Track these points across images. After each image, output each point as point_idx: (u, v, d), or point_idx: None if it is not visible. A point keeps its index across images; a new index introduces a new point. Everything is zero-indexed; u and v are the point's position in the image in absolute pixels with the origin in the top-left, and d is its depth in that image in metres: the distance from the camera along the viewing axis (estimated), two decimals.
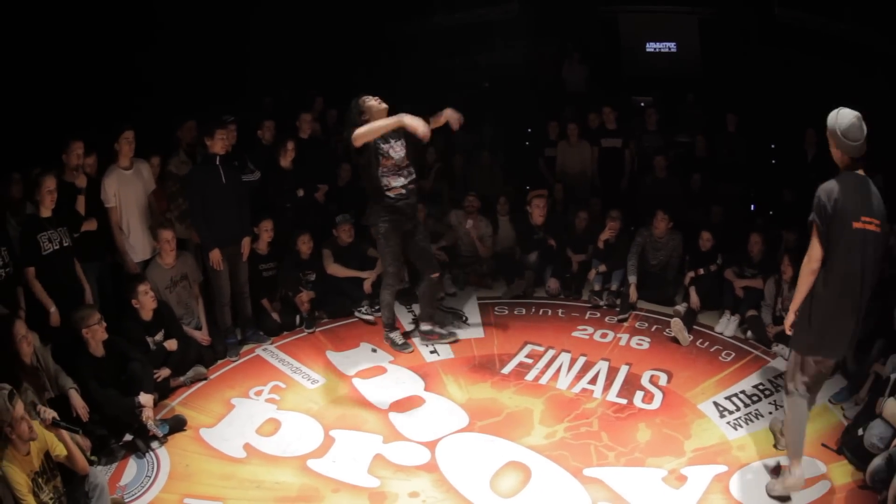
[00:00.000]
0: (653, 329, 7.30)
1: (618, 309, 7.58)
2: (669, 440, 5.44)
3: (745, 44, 10.86)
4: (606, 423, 5.65)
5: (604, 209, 8.37)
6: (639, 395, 6.06)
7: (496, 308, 7.77)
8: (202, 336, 6.46)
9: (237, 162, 6.99)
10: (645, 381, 6.28)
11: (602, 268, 7.94)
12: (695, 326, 7.27)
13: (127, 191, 6.38)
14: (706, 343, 7.01)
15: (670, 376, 6.36)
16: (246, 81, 9.26)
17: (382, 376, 6.32)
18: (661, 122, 9.80)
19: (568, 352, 6.76)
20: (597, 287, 7.90)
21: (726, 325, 7.22)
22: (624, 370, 6.44)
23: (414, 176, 6.31)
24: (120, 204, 6.35)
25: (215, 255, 6.39)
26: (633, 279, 7.61)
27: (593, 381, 6.28)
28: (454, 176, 9.78)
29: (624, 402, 5.95)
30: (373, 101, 6.06)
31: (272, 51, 9.71)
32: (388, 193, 6.16)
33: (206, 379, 6.25)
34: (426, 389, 6.08)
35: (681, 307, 7.34)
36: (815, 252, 4.45)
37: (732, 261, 7.51)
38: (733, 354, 6.81)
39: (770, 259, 7.29)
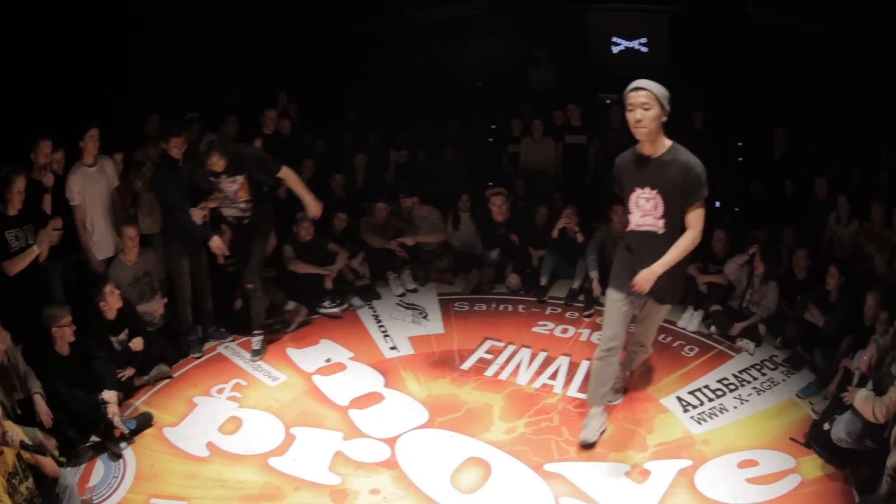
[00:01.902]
0: None
1: (581, 305, 7.93)
2: (632, 435, 5.73)
3: (717, 42, 11.10)
4: (567, 418, 5.92)
5: (566, 205, 8.62)
6: None
7: (456, 304, 8.04)
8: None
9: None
10: None
11: (539, 253, 8.38)
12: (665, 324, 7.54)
13: (91, 188, 6.56)
14: (669, 338, 7.33)
15: (633, 372, 6.57)
16: (215, 77, 9.41)
17: (342, 373, 6.56)
18: (626, 119, 10.08)
19: (528, 347, 7.05)
20: (543, 281, 8.20)
21: (689, 320, 7.58)
22: (585, 365, 6.68)
23: (250, 205, 6.53)
24: (84, 201, 6.53)
25: (216, 242, 6.52)
26: (594, 274, 7.93)
27: (554, 376, 6.57)
28: (417, 172, 10.03)
29: (585, 396, 6.13)
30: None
31: (240, 46, 9.93)
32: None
33: (169, 377, 6.45)
34: (386, 386, 6.34)
35: None
36: None
37: (696, 256, 7.87)
38: (696, 349, 7.14)
39: (732, 255, 7.67)
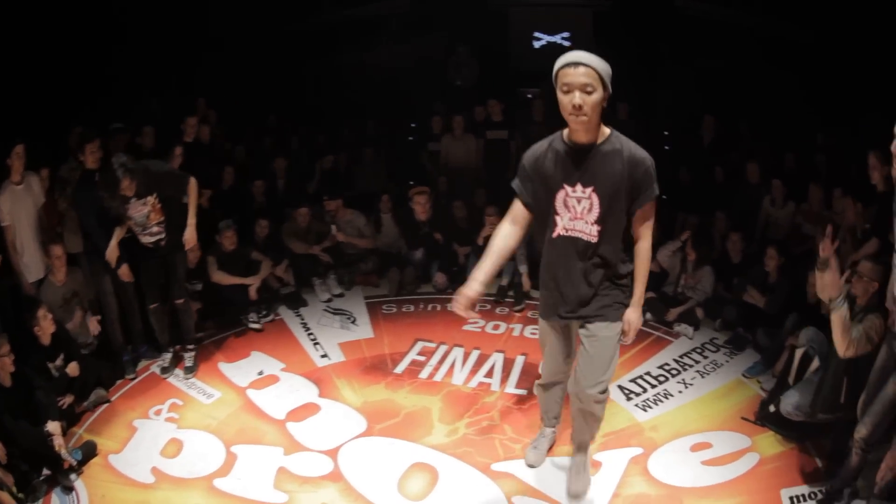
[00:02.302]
0: None
1: (511, 300, 7.98)
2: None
3: (643, 35, 11.42)
4: (508, 415, 5.91)
5: (489, 201, 8.70)
6: None
7: (384, 306, 7.98)
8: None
9: None
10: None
11: (465, 250, 8.41)
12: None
13: (18, 208, 6.24)
14: None
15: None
16: (138, 85, 9.17)
17: (276, 385, 6.39)
18: (548, 113, 10.21)
19: (460, 346, 7.03)
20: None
21: None
22: (520, 361, 6.75)
23: (163, 226, 6.28)
24: (13, 222, 6.21)
25: (124, 271, 6.34)
26: (524, 269, 7.99)
27: (489, 374, 6.57)
28: (338, 174, 9.92)
29: (524, 392, 6.22)
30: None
31: (158, 52, 9.58)
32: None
33: (107, 402, 6.17)
34: (321, 396, 6.20)
35: None
36: None
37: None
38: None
39: (664, 242, 7.82)
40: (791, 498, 5.00)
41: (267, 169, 9.10)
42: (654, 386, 6.39)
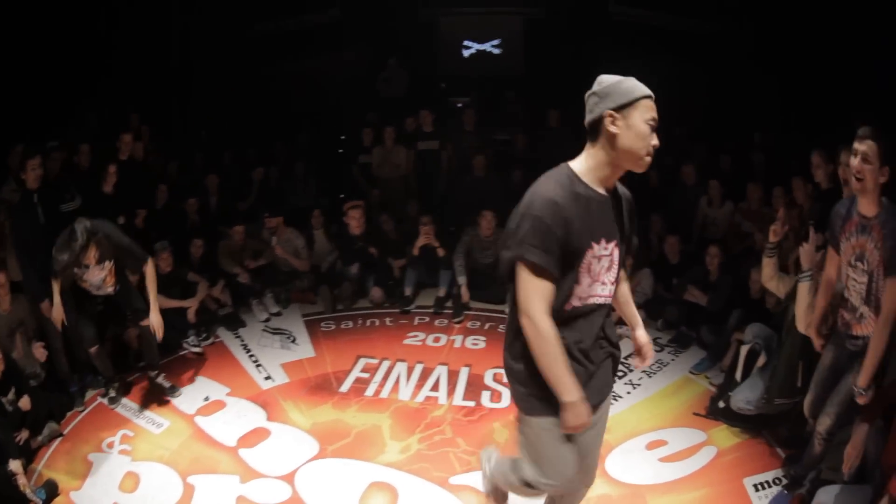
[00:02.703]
0: (486, 327, 7.73)
1: (449, 311, 8.00)
2: None
3: (576, 41, 11.63)
4: (459, 428, 5.91)
5: (421, 212, 8.72)
6: (485, 394, 6.41)
7: (322, 324, 7.88)
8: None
9: (64, 191, 6.71)
10: (489, 381, 6.63)
11: (400, 263, 8.42)
12: None
13: None
14: None
15: None
16: (73, 101, 8.87)
17: (223, 411, 6.22)
18: (479, 121, 10.39)
19: (403, 361, 7.00)
20: (408, 291, 8.19)
21: None
22: (465, 372, 6.77)
23: (116, 287, 6.14)
24: None
25: (45, 307, 6.05)
26: (462, 280, 8.04)
27: (435, 387, 6.56)
28: (270, 189, 9.78)
29: (472, 404, 6.25)
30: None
31: (93, 66, 9.32)
32: None
33: (60, 435, 5.89)
34: (269, 419, 6.06)
35: None
36: None
37: None
38: None
39: None
40: (755, 485, 5.18)
41: (199, 186, 8.91)
42: None
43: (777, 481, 5.19)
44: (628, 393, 6.41)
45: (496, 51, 12.71)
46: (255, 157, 9.93)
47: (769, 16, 9.79)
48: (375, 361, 7.01)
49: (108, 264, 5.88)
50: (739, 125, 9.64)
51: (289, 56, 11.70)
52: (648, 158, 3.16)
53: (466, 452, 5.57)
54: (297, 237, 8.46)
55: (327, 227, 8.77)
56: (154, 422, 6.10)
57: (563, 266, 3.14)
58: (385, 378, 6.71)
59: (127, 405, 6.37)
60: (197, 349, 7.21)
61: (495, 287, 8.20)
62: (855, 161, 4.07)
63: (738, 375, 5.93)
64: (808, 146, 6.62)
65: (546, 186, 3.20)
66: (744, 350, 5.97)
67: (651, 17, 11.30)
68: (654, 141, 3.13)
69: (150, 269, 6.06)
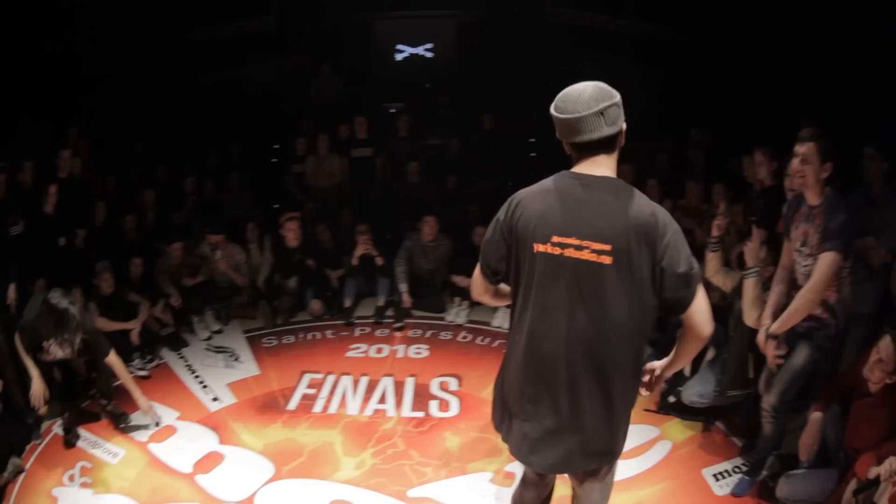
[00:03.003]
0: (428, 335, 7.83)
1: (390, 321, 8.07)
2: (481, 442, 5.88)
3: (511, 44, 11.74)
4: (411, 439, 5.96)
5: (355, 221, 8.74)
6: (433, 404, 6.49)
7: (264, 340, 7.82)
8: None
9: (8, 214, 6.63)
10: (435, 390, 6.72)
11: (337, 273, 8.42)
12: (470, 323, 8.03)
13: None
14: (487, 339, 7.73)
15: (460, 379, 6.88)
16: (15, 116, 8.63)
17: (175, 436, 6.11)
18: (413, 127, 10.41)
19: (348, 374, 7.01)
20: (347, 302, 8.22)
21: (457, 314, 8.07)
22: (411, 382, 6.84)
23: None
24: None
25: None
26: (404, 287, 8.12)
27: (382, 399, 6.59)
28: (206, 202, 9.62)
29: (421, 414, 6.33)
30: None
31: (32, 80, 9.08)
32: None
33: (23, 470, 5.70)
34: (221, 443, 5.99)
35: None
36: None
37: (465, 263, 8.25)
38: None
39: None
40: (714, 475, 5.42)
41: (136, 201, 8.72)
42: None
43: (737, 469, 5.44)
44: None
45: (429, 54, 12.67)
46: (189, 169, 9.73)
47: (705, 15, 10.06)
48: (320, 376, 7.00)
49: (77, 342, 5.86)
50: (675, 124, 9.81)
51: (223, 64, 11.49)
52: None
53: (421, 464, 5.64)
54: (238, 252, 8.37)
55: (263, 239, 8.69)
56: (110, 451, 5.95)
57: None
58: (332, 393, 6.71)
59: (82, 435, 6.20)
60: (143, 372, 7.05)
61: (436, 295, 8.37)
62: (795, 162, 4.46)
63: (687, 370, 6.15)
64: (746, 144, 6.92)
65: (653, 203, 3.07)
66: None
67: (588, 19, 11.48)
68: None
69: (114, 361, 6.06)
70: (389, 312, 8.19)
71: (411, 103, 11.68)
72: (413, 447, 5.86)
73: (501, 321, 7.87)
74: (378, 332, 7.93)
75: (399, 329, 7.93)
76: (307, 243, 8.40)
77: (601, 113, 3.04)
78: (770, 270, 5.24)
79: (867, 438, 4.40)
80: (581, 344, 3.02)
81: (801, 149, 4.41)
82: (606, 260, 2.93)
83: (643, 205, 3.00)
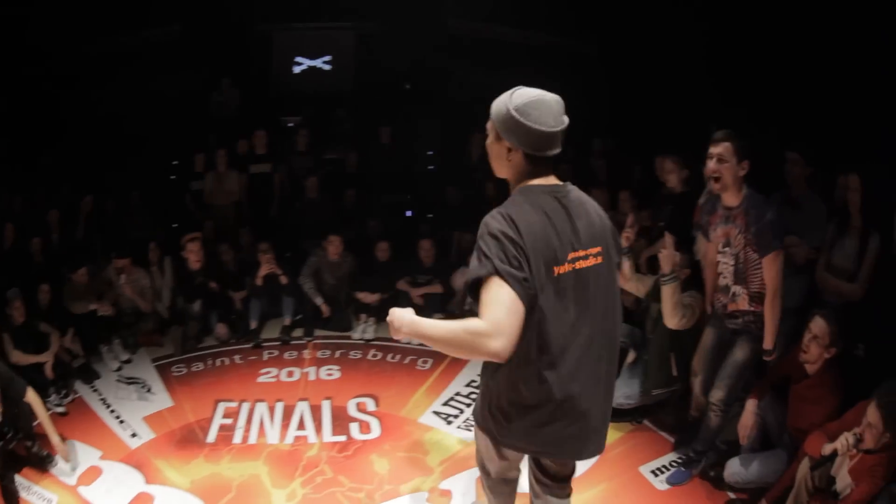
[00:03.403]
0: (337, 355, 7.87)
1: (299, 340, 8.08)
2: (411, 462, 6.00)
3: (411, 56, 11.74)
4: (338, 465, 5.97)
5: (255, 239, 8.63)
6: (354, 427, 6.52)
7: (173, 368, 7.63)
8: None
9: None
10: (353, 412, 6.76)
11: (240, 295, 8.34)
12: (378, 341, 8.11)
13: None
14: (397, 356, 7.82)
15: (377, 399, 6.95)
16: None
17: (101, 478, 5.88)
18: (311, 141, 10.31)
19: (262, 401, 6.95)
20: (253, 324, 8.17)
21: (364, 330, 8.16)
22: (327, 406, 6.86)
23: None
24: None
25: None
26: (319, 300, 8.17)
27: (301, 425, 6.57)
28: (106, 223, 9.17)
29: (343, 438, 6.34)
30: None
31: None
32: None
33: None
34: (148, 482, 5.82)
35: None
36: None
37: (404, 271, 8.40)
38: (430, 360, 7.69)
39: (442, 262, 8.31)
40: (652, 471, 5.79)
41: (43, 222, 8.33)
42: (468, 405, 6.81)
43: (674, 463, 5.82)
44: None
45: (326, 67, 12.62)
46: (90, 187, 9.22)
47: (609, 25, 10.40)
48: (235, 405, 6.90)
49: None
50: (576, 133, 10.05)
51: (124, 76, 10.97)
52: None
53: (353, 490, 5.66)
54: (143, 276, 8.07)
55: (164, 261, 8.38)
56: (43, 497, 5.70)
57: None
58: (248, 422, 6.63)
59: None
60: (60, 409, 6.74)
61: (341, 313, 8.41)
62: (711, 163, 4.71)
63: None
64: (651, 149, 7.38)
65: None
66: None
67: (490, 31, 11.66)
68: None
69: (33, 399, 5.89)
70: (296, 333, 8.19)
71: (309, 117, 11.60)
72: (341, 473, 5.88)
73: (362, 332, 8.09)
74: (287, 355, 7.88)
75: (309, 340, 8.01)
76: (209, 264, 8.24)
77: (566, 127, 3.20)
78: (686, 273, 5.62)
79: (812, 417, 4.84)
80: (606, 338, 3.33)
81: (716, 149, 4.68)
82: (602, 259, 3.26)
83: (599, 207, 3.42)
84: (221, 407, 6.88)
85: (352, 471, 5.90)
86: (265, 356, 7.88)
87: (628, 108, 9.86)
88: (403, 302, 8.24)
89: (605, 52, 10.82)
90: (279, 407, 6.86)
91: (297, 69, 12.57)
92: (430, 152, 11.25)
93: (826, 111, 6.98)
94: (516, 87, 3.21)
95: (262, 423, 6.61)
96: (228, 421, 6.65)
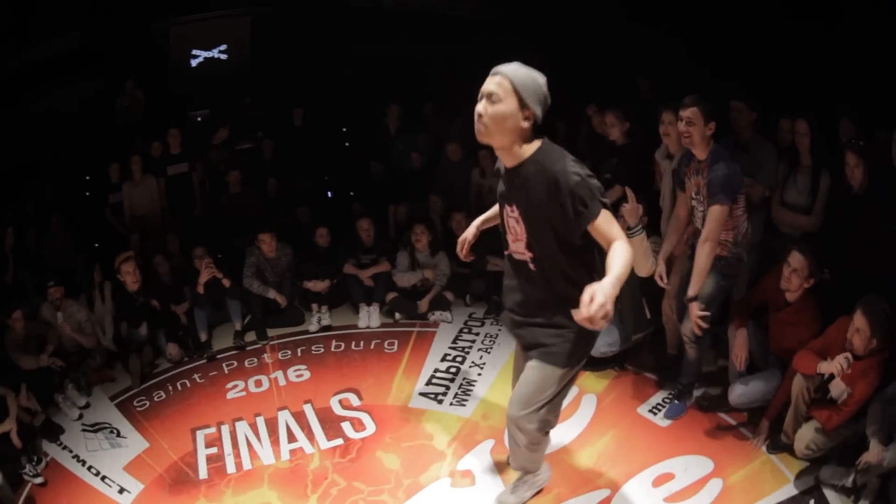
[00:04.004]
0: (300, 353, 7.57)
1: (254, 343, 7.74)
2: (419, 451, 5.94)
3: (312, 35, 11.31)
4: (347, 471, 5.79)
5: (184, 245, 8.12)
6: (346, 426, 6.33)
7: (135, 402, 7.02)
8: None
9: None
10: (339, 410, 6.56)
11: (182, 308, 7.86)
12: (336, 330, 7.89)
13: None
14: (361, 343, 7.66)
15: (358, 393, 6.78)
16: None
17: None
18: (225, 133, 9.78)
19: (240, 419, 6.59)
20: (203, 337, 7.71)
21: (368, 318, 7.88)
22: (310, 410, 6.60)
23: None
24: None
25: None
26: (272, 293, 7.84)
27: (292, 437, 6.28)
28: (30, 256, 8.30)
29: (340, 441, 6.14)
30: None
31: None
32: None
33: None
34: None
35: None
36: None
37: (347, 253, 8.12)
38: (396, 342, 7.59)
39: (382, 238, 8.08)
40: (650, 410, 6.11)
41: None
42: (451, 380, 6.83)
43: (667, 400, 6.14)
44: (479, 375, 6.88)
45: (223, 56, 11.98)
46: (9, 218, 8.32)
47: None
48: (213, 430, 6.47)
49: None
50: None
51: (29, 96, 9.93)
52: (477, 122, 3.68)
53: (373, 493, 5.52)
54: (78, 309, 7.31)
55: (103, 285, 7.69)
56: None
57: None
58: (235, 446, 6.23)
59: None
60: (38, 480, 6.06)
61: (291, 306, 8.10)
62: (681, 125, 5.19)
63: None
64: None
65: None
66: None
67: (391, 2, 11.47)
68: (478, 106, 3.66)
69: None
70: (248, 337, 7.82)
71: (215, 109, 11.04)
72: (354, 479, 5.71)
73: (367, 321, 7.87)
74: (247, 363, 7.49)
75: (264, 344, 7.69)
76: (147, 282, 7.63)
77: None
78: (646, 220, 5.79)
79: (798, 338, 5.33)
80: None
81: (685, 113, 5.14)
82: None
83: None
84: (200, 436, 6.44)
85: (363, 474, 5.75)
86: (225, 369, 7.45)
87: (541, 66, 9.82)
88: (353, 285, 8.06)
89: (511, 17, 10.73)
90: (260, 422, 6.52)
91: (194, 62, 11.87)
92: (344, 129, 10.90)
93: (762, 59, 7.58)
94: (517, 62, 3.69)
95: (249, 445, 6.26)
96: (213, 450, 6.24)
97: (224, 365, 7.54)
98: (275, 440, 6.28)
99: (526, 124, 3.65)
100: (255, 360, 7.55)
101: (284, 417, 6.57)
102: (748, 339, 5.65)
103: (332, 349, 7.64)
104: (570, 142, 8.09)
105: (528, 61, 3.71)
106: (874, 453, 4.67)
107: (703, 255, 5.17)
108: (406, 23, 11.39)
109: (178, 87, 11.64)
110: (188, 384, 7.30)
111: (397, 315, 7.90)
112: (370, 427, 6.31)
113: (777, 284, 5.38)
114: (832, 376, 4.95)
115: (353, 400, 6.73)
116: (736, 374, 5.74)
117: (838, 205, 5.74)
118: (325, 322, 7.91)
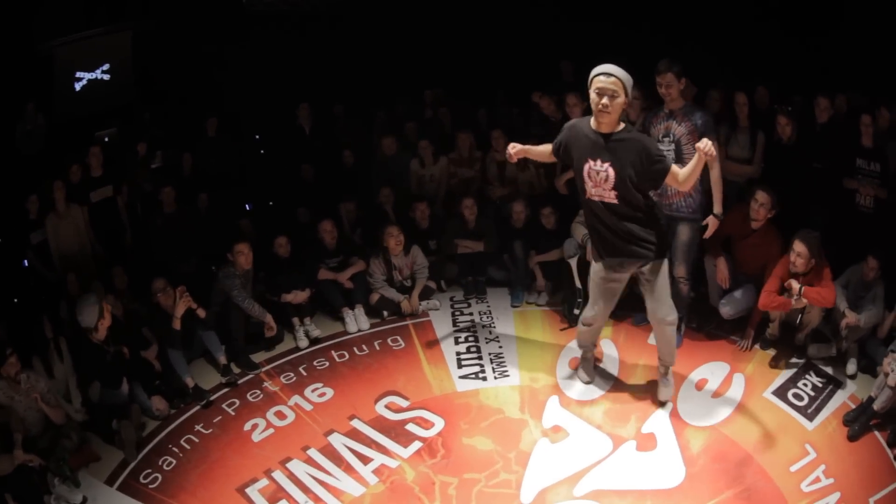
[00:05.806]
0: (304, 372, 6.87)
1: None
2: (501, 425, 5.98)
3: (203, 42, 10.87)
4: (452, 468, 5.52)
5: (133, 279, 7.04)
6: (414, 428, 5.98)
7: (143, 479, 5.63)
8: None
9: None
10: (393, 416, 6.18)
11: (150, 353, 6.67)
12: (328, 339, 7.33)
13: None
14: (364, 348, 7.24)
15: (399, 394, 6.43)
16: None
17: None
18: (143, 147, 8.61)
19: (289, 459, 5.73)
20: (189, 382, 6.48)
21: (355, 321, 7.43)
22: (361, 425, 6.08)
23: None
24: None
25: None
26: (267, 318, 7.00)
27: (363, 458, 5.71)
28: None
29: (419, 445, 5.77)
30: None
31: None
32: None
33: None
34: None
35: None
36: None
37: (314, 259, 7.53)
38: (399, 338, 7.30)
39: (343, 240, 7.70)
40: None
41: None
42: (479, 357, 6.85)
43: None
44: (500, 347, 7.06)
45: (106, 77, 11.13)
46: None
47: None
48: (266, 482, 5.51)
49: None
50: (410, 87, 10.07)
51: None
52: (601, 112, 5.05)
53: (489, 477, 5.40)
54: (36, 380, 5.71)
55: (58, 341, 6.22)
56: None
57: (574, 164, 5.38)
58: (305, 490, 5.43)
59: None
60: None
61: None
62: (661, 89, 6.05)
63: (579, 284, 7.04)
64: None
65: (577, 119, 5.63)
66: (573, 263, 7.12)
67: (288, 3, 11.53)
68: (604, 100, 5.00)
69: None
70: (236, 368, 6.82)
71: (122, 127, 9.87)
72: (462, 472, 5.46)
73: (356, 325, 7.41)
74: (250, 397, 6.50)
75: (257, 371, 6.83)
76: (112, 329, 6.20)
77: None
78: None
79: (757, 261, 6.54)
80: None
81: (662, 79, 6.01)
82: None
83: None
84: (254, 493, 5.43)
85: (467, 464, 5.52)
86: (230, 411, 6.35)
87: (452, 57, 10.35)
88: (330, 291, 7.53)
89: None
90: (315, 454, 5.76)
91: (77, 86, 10.88)
92: (257, 136, 10.08)
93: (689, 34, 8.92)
94: (613, 65, 5.06)
95: (321, 482, 5.50)
96: (283, 503, 5.36)
97: (225, 406, 6.45)
98: (347, 467, 5.62)
99: (626, 106, 5.13)
100: (258, 391, 6.57)
101: (340, 441, 5.90)
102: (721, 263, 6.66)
103: (338, 360, 6.99)
104: (524, 126, 8.55)
105: None
106: (852, 317, 6.04)
107: (717, 173, 6.10)
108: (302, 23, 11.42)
109: (62, 114, 10.33)
110: (196, 440, 6.07)
111: (385, 313, 7.52)
112: (438, 421, 6.03)
113: (740, 219, 6.54)
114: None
115: (400, 402, 6.30)
116: (718, 296, 6.78)
117: (773, 154, 7.10)
118: (315, 334, 7.18)
